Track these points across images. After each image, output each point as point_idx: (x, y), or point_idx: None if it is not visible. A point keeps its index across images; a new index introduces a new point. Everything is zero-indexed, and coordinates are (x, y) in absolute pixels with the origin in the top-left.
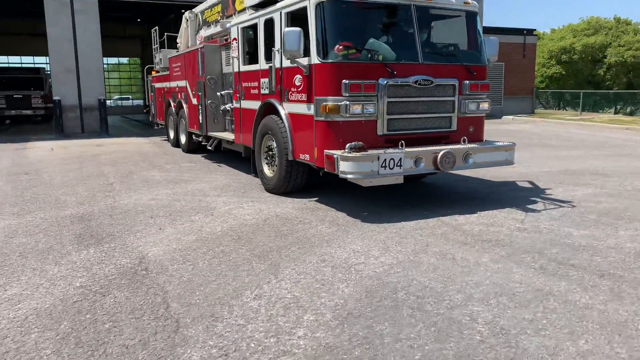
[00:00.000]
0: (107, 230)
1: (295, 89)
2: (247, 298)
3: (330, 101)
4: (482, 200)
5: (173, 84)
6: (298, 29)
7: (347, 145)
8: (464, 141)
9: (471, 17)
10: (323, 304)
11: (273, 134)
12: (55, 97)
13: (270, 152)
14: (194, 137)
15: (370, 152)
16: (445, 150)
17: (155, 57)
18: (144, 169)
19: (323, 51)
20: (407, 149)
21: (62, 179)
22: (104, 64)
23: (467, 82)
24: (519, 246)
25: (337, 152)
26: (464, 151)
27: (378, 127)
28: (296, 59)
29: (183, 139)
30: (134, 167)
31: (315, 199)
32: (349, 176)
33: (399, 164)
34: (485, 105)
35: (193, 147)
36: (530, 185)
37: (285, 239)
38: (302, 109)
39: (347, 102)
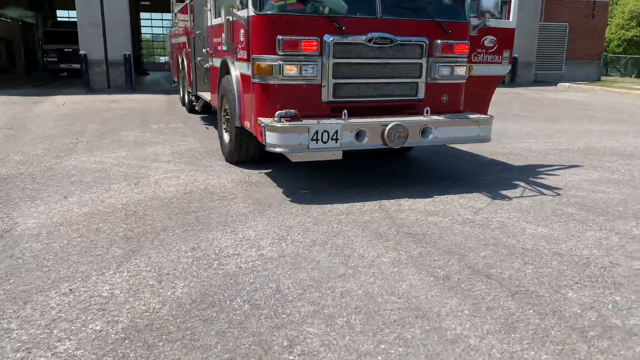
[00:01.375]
0: (11, 195)
1: (241, 46)
2: (56, 293)
3: (265, 60)
4: (454, 181)
5: (179, 39)
6: None
7: (277, 113)
8: (427, 112)
9: None
10: (132, 309)
11: (226, 96)
12: (82, 52)
13: (227, 117)
14: (190, 97)
15: (303, 122)
16: (394, 123)
17: (172, 11)
18: (128, 129)
19: (259, 1)
20: (351, 120)
21: (37, 135)
22: (162, 20)
23: (439, 41)
24: (445, 244)
25: (265, 121)
26: (421, 124)
27: (323, 93)
28: (234, 11)
29: (186, 98)
30: (119, 126)
31: (268, 170)
32: (277, 149)
33: (334, 138)
34: (461, 70)
35: (191, 107)
36: (528, 166)
37: (183, 218)
38: (245, 68)
39: (281, 62)
